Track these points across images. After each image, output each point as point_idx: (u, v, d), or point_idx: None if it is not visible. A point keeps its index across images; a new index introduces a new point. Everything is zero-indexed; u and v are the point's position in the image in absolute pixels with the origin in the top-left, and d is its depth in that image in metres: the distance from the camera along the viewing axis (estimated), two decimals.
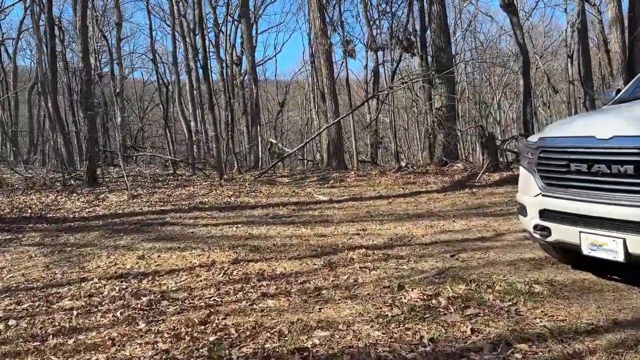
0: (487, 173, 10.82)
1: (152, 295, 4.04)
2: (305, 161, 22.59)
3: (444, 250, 5.01)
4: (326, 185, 11.69)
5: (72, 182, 13.74)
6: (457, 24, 30.76)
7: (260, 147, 22.10)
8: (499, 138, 14.64)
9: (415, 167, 13.12)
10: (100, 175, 13.66)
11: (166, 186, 11.96)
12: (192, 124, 30.16)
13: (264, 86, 42.03)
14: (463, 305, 3.30)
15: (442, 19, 13.89)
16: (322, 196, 9.85)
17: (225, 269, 4.69)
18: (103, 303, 3.94)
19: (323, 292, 3.85)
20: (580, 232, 3.31)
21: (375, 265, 4.51)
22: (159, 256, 5.46)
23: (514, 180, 10.13)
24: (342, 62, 20.81)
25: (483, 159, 11.54)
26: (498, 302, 3.33)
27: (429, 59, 17.19)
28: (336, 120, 14.89)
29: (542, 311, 3.14)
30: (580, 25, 19.33)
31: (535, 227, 3.64)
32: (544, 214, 3.56)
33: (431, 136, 14.19)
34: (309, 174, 15.20)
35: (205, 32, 17.05)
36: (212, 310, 3.56)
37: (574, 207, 3.34)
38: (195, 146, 27.82)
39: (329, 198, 9.59)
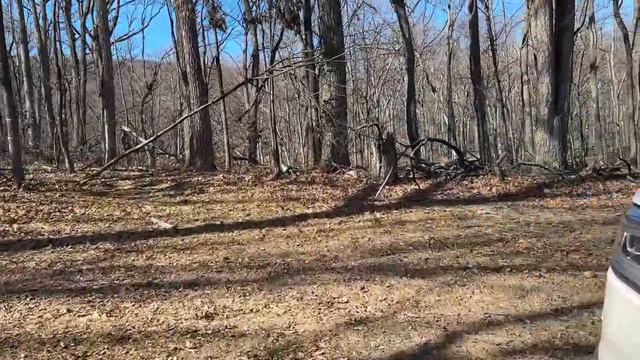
0: (387, 186, 8.55)
1: None
2: (168, 156, 18.78)
3: None
4: (178, 199, 8.49)
5: None
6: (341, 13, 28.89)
7: (107, 135, 17.87)
8: (399, 141, 12.66)
9: (298, 173, 10.48)
10: None
11: None
12: (27, 105, 24.49)
13: (129, 66, 36.54)
14: None
15: None
16: (163, 221, 6.68)
17: None
18: None
19: None
20: None
21: None
22: None
23: (422, 199, 7.95)
24: (220, 46, 17.41)
25: (380, 167, 9.27)
26: None
27: (315, 41, 14.69)
28: (201, 108, 11.65)
29: None
30: (471, 17, 18.36)
31: None
32: None
33: (318, 134, 11.67)
34: (163, 175, 11.76)
35: None
36: None
37: None
38: (29, 134, 22.46)
39: (173, 225, 6.47)
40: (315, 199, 8.04)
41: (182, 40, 12.97)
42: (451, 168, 9.97)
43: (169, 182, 10.58)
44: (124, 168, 14.66)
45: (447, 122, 34.26)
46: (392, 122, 39.97)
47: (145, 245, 5.60)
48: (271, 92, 11.33)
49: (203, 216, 7.08)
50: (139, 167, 15.28)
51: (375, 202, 7.71)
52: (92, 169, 13.52)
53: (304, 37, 13.30)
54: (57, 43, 17.43)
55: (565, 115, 8.60)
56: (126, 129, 19.14)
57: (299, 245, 5.45)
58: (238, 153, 19.40)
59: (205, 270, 4.61)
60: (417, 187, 8.39)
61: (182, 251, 5.31)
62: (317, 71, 13.03)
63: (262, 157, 32.30)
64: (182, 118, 11.03)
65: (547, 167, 8.47)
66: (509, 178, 8.45)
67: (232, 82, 38.58)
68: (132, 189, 9.91)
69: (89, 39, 26.20)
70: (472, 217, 6.46)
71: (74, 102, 27.41)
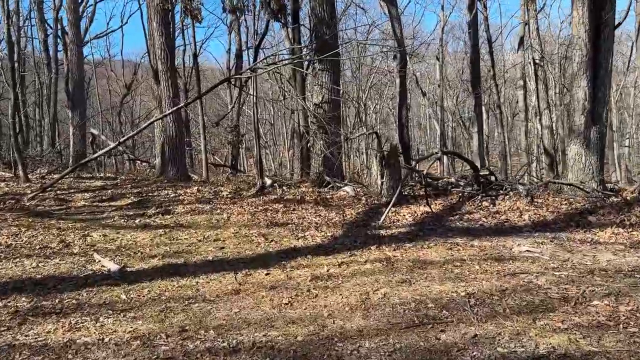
0: (392, 208, 7.08)
1: None
2: (141, 162, 17.06)
3: None
4: (137, 221, 6.91)
5: None
6: None
7: (72, 139, 16.15)
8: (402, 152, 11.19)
9: (285, 188, 8.97)
10: None
11: None
12: None
13: (107, 65, 34.74)
14: None
15: None
16: (109, 259, 5.10)
17: None
18: None
19: None
20: None
21: None
22: None
23: (438, 226, 6.50)
24: (203, 45, 15.81)
25: (382, 183, 7.82)
26: None
27: (304, 39, 13.26)
28: (172, 110, 10.08)
29: None
30: (471, 18, 17.09)
31: None
32: None
33: (307, 142, 10.20)
34: (128, 187, 10.16)
35: None
36: None
37: None
38: None
39: (120, 267, 4.90)
40: (306, 224, 6.52)
41: (153, 33, 11.37)
42: (462, 184, 8.57)
43: (132, 197, 9.00)
44: (90, 176, 13.01)
45: (437, 128, 33.01)
46: (378, 127, 38.60)
47: (74, 300, 4.03)
48: (254, 93, 9.82)
49: (163, 250, 5.51)
50: (108, 175, 13.62)
51: (381, 231, 6.24)
52: (51, 177, 11.89)
53: (290, 31, 11.80)
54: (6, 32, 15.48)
55: (603, 125, 7.27)
56: (94, 131, 17.41)
57: (287, 304, 3.93)
58: (218, 160, 17.80)
59: (149, 355, 3.08)
60: (429, 209, 6.95)
61: (123, 314, 3.76)
62: (305, 70, 11.59)
63: (245, 161, 30.58)
64: (149, 122, 9.44)
65: (583, 187, 7.12)
66: (539, 200, 7.07)
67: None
68: (86, 206, 8.31)
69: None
70: (511, 257, 5.03)
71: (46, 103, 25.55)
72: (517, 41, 22.88)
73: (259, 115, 11.70)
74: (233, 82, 10.74)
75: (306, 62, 11.42)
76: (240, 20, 19.94)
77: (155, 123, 11.76)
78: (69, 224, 6.68)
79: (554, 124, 20.22)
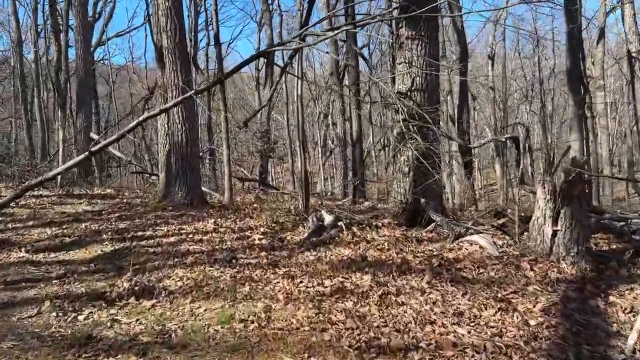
0: (597, 291, 3.25)
1: None
2: (149, 176, 13.54)
3: None
4: (83, 318, 3.30)
5: None
6: None
7: (61, 146, 12.88)
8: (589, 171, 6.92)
9: (356, 230, 5.22)
10: None
11: None
12: None
13: (129, 66, 32.00)
14: None
15: None
16: None
17: None
18: None
19: None
20: None
21: None
22: None
23: None
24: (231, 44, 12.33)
25: (555, 232, 4.01)
26: None
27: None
28: (177, 101, 6.55)
29: None
30: None
31: None
32: None
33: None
34: (112, 220, 6.61)
35: None
36: None
37: None
38: None
39: None
40: (448, 351, 2.78)
41: None
42: None
43: (107, 242, 5.52)
44: (82, 193, 9.58)
45: (489, 135, 28.56)
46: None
47: None
48: (299, 75, 6.21)
49: None
50: (108, 192, 10.08)
51: None
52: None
53: None
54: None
55: None
56: (95, 136, 14.12)
57: None
58: (245, 172, 14.25)
59: None
60: None
61: None
62: (366, 43, 7.84)
63: (272, 170, 26.75)
64: (139, 120, 5.83)
65: None
66: None
67: (243, 89, 33.36)
68: (19, 264, 4.81)
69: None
70: None
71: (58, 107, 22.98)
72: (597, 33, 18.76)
73: (303, 112, 8.06)
74: (269, 58, 7.18)
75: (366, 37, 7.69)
76: (272, 12, 16.47)
77: (159, 125, 8.27)
78: None
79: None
